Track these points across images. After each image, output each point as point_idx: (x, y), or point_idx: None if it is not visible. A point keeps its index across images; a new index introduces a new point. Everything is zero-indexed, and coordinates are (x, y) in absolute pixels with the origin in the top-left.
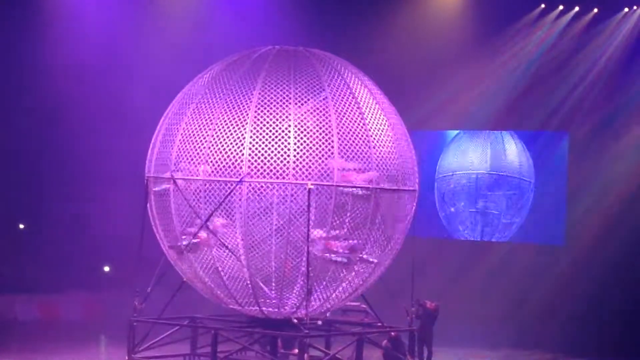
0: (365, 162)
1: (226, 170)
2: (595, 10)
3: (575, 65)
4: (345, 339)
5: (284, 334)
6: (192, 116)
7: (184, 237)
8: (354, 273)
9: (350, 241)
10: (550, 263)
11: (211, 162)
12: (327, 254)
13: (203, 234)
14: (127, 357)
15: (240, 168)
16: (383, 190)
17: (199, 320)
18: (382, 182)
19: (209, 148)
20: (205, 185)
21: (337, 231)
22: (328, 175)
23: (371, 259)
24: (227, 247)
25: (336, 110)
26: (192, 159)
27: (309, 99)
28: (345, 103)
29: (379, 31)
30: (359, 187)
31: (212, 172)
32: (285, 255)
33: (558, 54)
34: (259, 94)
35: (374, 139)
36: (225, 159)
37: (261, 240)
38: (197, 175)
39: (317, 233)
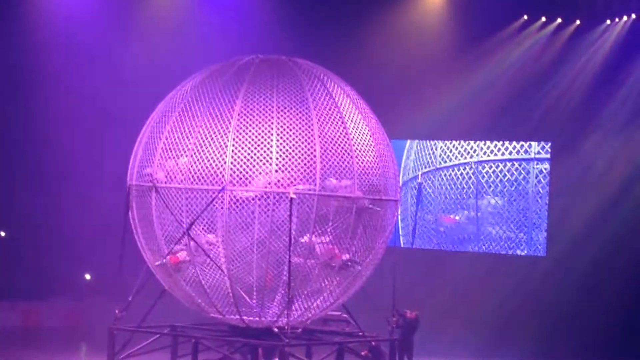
0: (347, 172)
1: (208, 179)
2: (578, 22)
3: (558, 76)
4: (326, 348)
5: (265, 343)
6: (174, 125)
7: (163, 259)
8: (335, 282)
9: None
10: (532, 274)
11: (193, 170)
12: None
13: (183, 254)
14: None
15: (223, 177)
16: (365, 200)
17: (180, 328)
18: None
19: (191, 157)
20: (187, 193)
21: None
22: (310, 184)
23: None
24: (209, 256)
25: (318, 120)
26: (175, 168)
27: None
28: (328, 112)
29: (362, 41)
30: (340, 195)
31: (194, 178)
32: (266, 264)
33: (540, 65)
34: (242, 103)
35: (356, 148)
36: (207, 168)
37: (242, 250)
38: (177, 174)
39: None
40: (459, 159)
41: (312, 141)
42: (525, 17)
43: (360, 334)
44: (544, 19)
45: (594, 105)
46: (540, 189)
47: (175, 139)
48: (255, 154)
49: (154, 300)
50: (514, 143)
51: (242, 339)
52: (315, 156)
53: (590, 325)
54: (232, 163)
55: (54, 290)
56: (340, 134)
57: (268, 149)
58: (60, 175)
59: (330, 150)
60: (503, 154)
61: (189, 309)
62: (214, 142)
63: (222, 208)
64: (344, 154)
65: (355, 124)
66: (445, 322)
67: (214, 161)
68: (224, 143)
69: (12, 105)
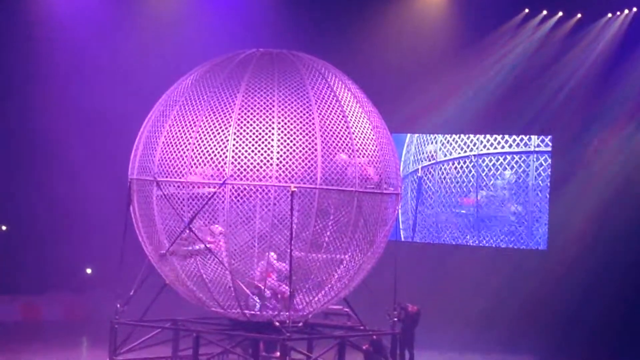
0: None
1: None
2: (579, 15)
3: (559, 70)
4: (327, 342)
5: (266, 337)
6: (175, 119)
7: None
8: (337, 276)
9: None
10: (533, 267)
11: (195, 166)
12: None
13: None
14: (108, 359)
15: (224, 171)
16: (366, 194)
17: (181, 322)
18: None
19: (192, 151)
20: (188, 188)
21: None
22: (311, 178)
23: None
24: (210, 250)
25: (320, 114)
26: (176, 163)
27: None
28: (329, 106)
29: (363, 35)
30: (341, 189)
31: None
32: (268, 258)
33: (541, 59)
34: (243, 96)
35: (358, 142)
36: (208, 162)
37: (244, 244)
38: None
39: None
40: (459, 153)
41: (313, 135)
42: (526, 10)
43: (362, 327)
44: (545, 12)
45: (594, 98)
46: (540, 182)
47: (176, 133)
48: (256, 148)
49: (155, 295)
50: (514, 136)
51: (243, 332)
52: (316, 150)
53: (591, 319)
54: (233, 157)
55: (55, 284)
56: (342, 127)
57: (269, 142)
58: (61, 168)
59: (331, 144)
60: (503, 147)
61: (190, 304)
62: (215, 136)
63: (223, 202)
64: (345, 147)
65: (356, 117)
66: (446, 315)
67: (215, 155)
68: (225, 137)
69: (12, 101)
